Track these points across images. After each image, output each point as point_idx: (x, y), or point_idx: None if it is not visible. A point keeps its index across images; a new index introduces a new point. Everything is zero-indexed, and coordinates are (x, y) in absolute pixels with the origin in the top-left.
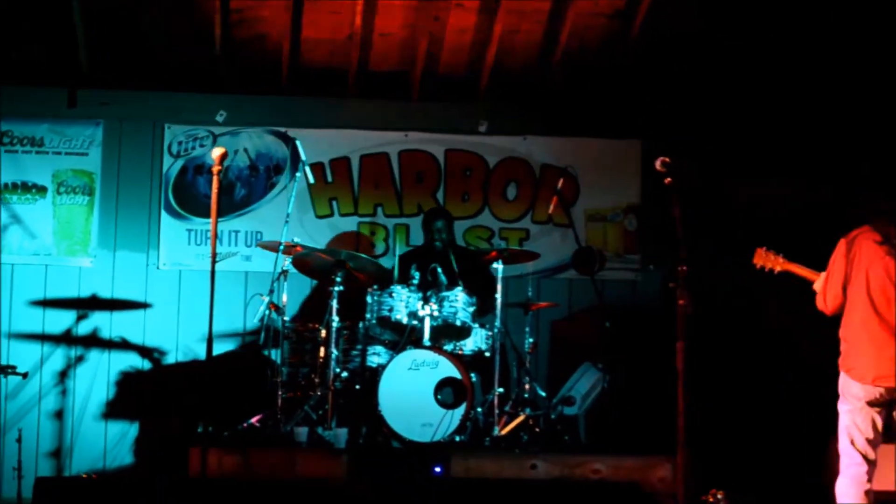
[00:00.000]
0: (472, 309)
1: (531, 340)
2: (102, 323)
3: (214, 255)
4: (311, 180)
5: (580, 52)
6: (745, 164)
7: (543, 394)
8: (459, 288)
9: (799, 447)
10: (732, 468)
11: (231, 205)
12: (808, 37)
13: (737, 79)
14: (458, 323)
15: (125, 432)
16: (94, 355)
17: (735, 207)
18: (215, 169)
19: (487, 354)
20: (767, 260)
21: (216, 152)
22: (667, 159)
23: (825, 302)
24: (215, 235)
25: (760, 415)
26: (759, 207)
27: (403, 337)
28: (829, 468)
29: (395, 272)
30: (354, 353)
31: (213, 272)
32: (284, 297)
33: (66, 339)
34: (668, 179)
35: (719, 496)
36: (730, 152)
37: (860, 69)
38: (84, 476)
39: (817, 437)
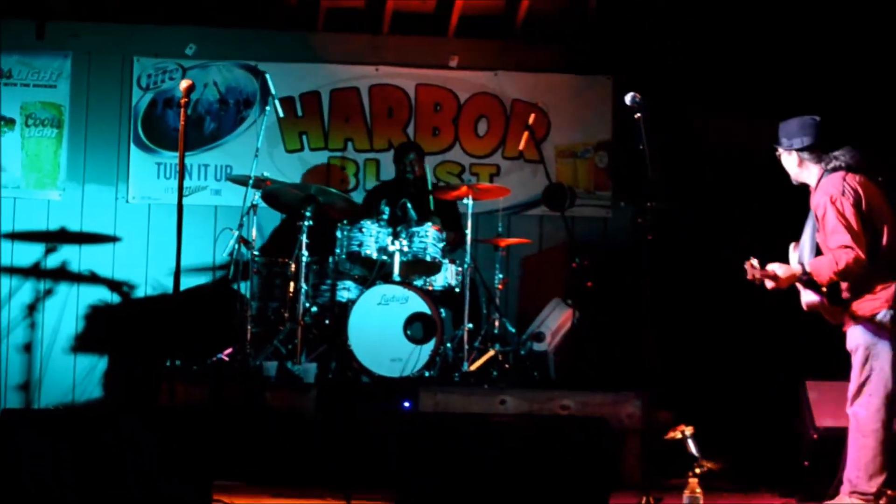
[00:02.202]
0: (441, 244)
1: (501, 276)
2: (71, 256)
3: (182, 187)
4: (281, 114)
5: None
6: (715, 101)
7: (513, 330)
8: (429, 223)
9: (768, 384)
10: (700, 404)
11: (200, 139)
12: None
13: (710, 16)
14: (427, 258)
15: (94, 366)
16: (63, 289)
17: (705, 145)
18: (182, 101)
19: (457, 290)
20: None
21: (183, 84)
22: (637, 95)
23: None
24: (182, 168)
25: (729, 351)
26: (729, 145)
27: (373, 272)
28: (799, 406)
29: (365, 207)
30: (324, 287)
31: (180, 205)
32: (254, 232)
33: (35, 272)
34: (638, 115)
35: (687, 432)
36: (701, 89)
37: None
38: (52, 409)
39: (787, 374)
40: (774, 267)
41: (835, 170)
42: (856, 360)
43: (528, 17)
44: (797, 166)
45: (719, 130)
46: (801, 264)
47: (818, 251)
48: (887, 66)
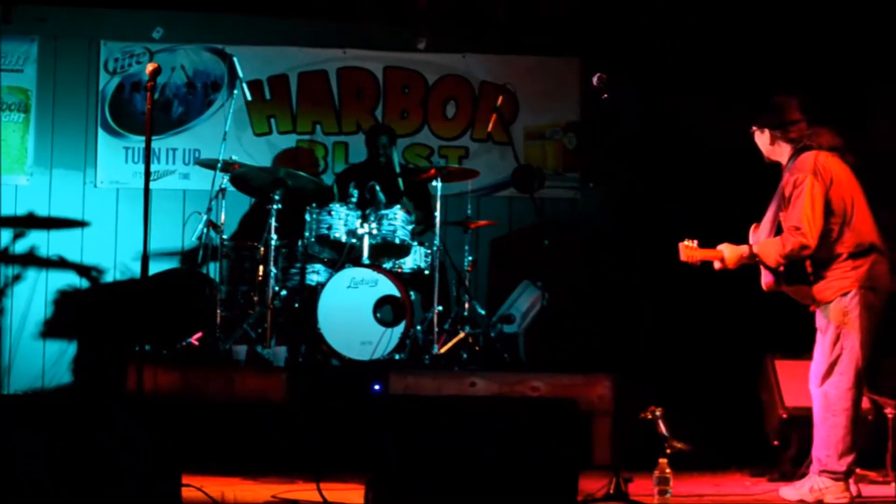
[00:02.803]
0: (410, 227)
1: (471, 258)
2: (39, 241)
3: (148, 171)
4: (249, 97)
5: None
6: (684, 82)
7: (483, 312)
8: (398, 206)
9: (737, 363)
10: (671, 385)
11: (168, 122)
12: None
13: None
14: (397, 241)
15: (64, 351)
16: (32, 274)
17: (674, 124)
18: (149, 84)
19: (427, 272)
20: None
21: (149, 67)
22: (604, 76)
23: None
24: (149, 151)
25: (699, 332)
26: (697, 125)
27: (342, 255)
28: (768, 385)
29: (333, 190)
30: (293, 271)
31: (147, 189)
32: (223, 216)
33: (3, 257)
34: (605, 96)
35: (657, 412)
36: (670, 70)
37: None
38: (21, 394)
39: (754, 354)
40: (722, 247)
41: (806, 149)
42: (826, 339)
43: None
44: (769, 144)
45: (688, 111)
46: (750, 245)
47: (778, 231)
48: (854, 45)
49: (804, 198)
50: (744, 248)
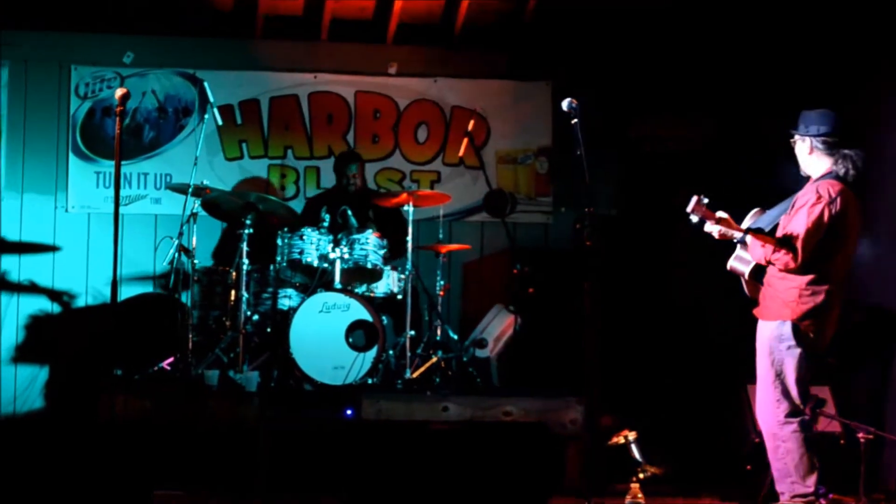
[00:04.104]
0: (383, 251)
1: (443, 283)
2: (10, 266)
3: (118, 195)
4: (220, 122)
5: None
6: (654, 105)
7: (455, 336)
8: (370, 230)
9: (710, 388)
10: (644, 409)
11: (140, 147)
12: None
13: (648, 20)
14: (369, 265)
15: (35, 376)
16: (3, 298)
17: (644, 148)
18: (118, 109)
19: (399, 297)
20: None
21: (119, 92)
22: (574, 101)
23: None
24: (118, 175)
25: (671, 356)
26: (667, 148)
27: (314, 279)
28: (740, 412)
29: (305, 215)
30: (265, 295)
31: (116, 213)
32: (194, 240)
33: None
34: (575, 120)
35: (630, 437)
36: (639, 93)
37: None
38: None
39: (730, 380)
40: (723, 214)
41: (837, 176)
42: (761, 360)
43: (466, 24)
44: (808, 153)
45: (658, 133)
46: (746, 229)
47: (774, 229)
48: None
49: (810, 219)
50: (739, 228)
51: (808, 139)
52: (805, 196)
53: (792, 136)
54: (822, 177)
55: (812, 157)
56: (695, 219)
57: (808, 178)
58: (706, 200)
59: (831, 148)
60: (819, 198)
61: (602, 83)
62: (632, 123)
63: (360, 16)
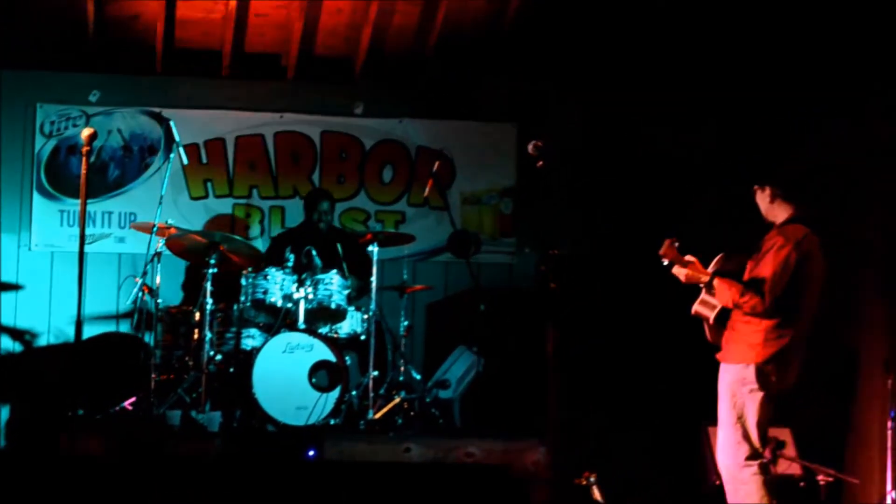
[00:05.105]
0: (346, 292)
1: (406, 323)
2: None
3: (83, 235)
4: (185, 161)
5: (456, 35)
6: (619, 148)
7: (418, 377)
8: (334, 271)
9: (671, 432)
10: (607, 452)
11: (104, 185)
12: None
13: (611, 64)
14: (332, 306)
15: None
16: None
17: (610, 190)
18: (84, 149)
19: (363, 337)
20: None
21: (85, 132)
22: (539, 143)
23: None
24: (84, 216)
25: (634, 396)
26: (632, 191)
27: (278, 320)
28: (701, 454)
29: (270, 254)
30: (229, 335)
31: (81, 252)
32: (158, 280)
33: None
34: (541, 163)
35: (592, 479)
36: (603, 137)
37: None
38: None
39: (690, 422)
40: (691, 258)
41: (801, 220)
42: (723, 402)
43: (432, 65)
44: (769, 202)
45: (623, 176)
46: (713, 273)
47: (741, 273)
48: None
49: (777, 262)
50: (706, 272)
51: (767, 188)
52: (771, 240)
53: (752, 187)
54: (786, 221)
55: (773, 205)
56: (666, 261)
57: (770, 225)
58: (677, 244)
59: (792, 193)
60: (785, 241)
61: (568, 126)
62: (597, 165)
63: (326, 55)
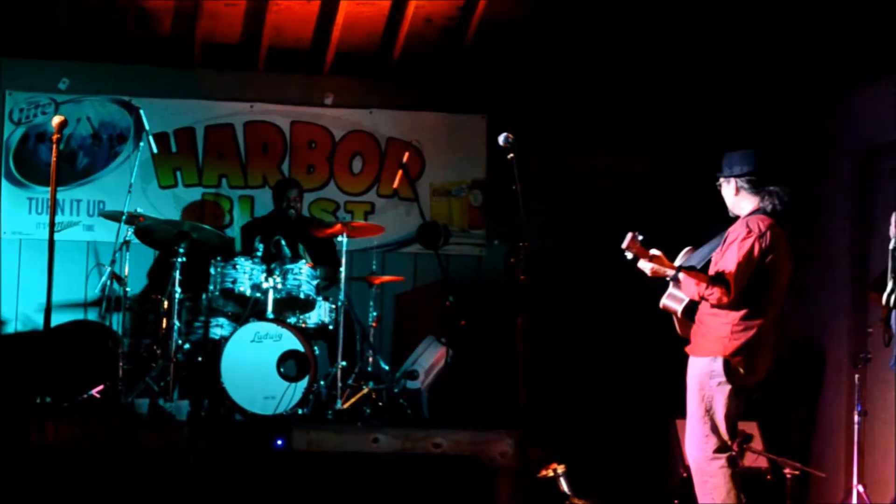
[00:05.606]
0: (315, 282)
1: (375, 314)
2: None
3: (53, 223)
4: (155, 150)
5: (426, 26)
6: (588, 139)
7: (387, 367)
8: (303, 261)
9: (641, 424)
10: (574, 443)
11: (73, 174)
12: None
13: (583, 54)
14: (301, 296)
15: None
16: None
17: (578, 183)
18: (54, 137)
19: (331, 328)
20: (636, 248)
21: (56, 120)
22: (510, 135)
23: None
24: (54, 204)
25: (602, 388)
26: (602, 182)
27: (247, 309)
28: (668, 445)
29: (238, 245)
30: (197, 324)
31: (51, 241)
32: (126, 268)
33: None
34: (511, 155)
35: (559, 470)
36: (574, 127)
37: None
38: None
39: (660, 416)
40: (656, 251)
41: (766, 212)
42: (691, 396)
43: (402, 56)
44: (734, 195)
45: (592, 168)
46: (678, 267)
47: (707, 266)
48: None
49: (741, 253)
50: (672, 266)
51: (732, 180)
52: (735, 231)
53: (717, 180)
54: (751, 213)
55: (738, 198)
56: (629, 255)
57: (736, 218)
58: (640, 237)
59: (756, 186)
60: (749, 232)
61: (538, 117)
62: (567, 158)
63: (297, 45)
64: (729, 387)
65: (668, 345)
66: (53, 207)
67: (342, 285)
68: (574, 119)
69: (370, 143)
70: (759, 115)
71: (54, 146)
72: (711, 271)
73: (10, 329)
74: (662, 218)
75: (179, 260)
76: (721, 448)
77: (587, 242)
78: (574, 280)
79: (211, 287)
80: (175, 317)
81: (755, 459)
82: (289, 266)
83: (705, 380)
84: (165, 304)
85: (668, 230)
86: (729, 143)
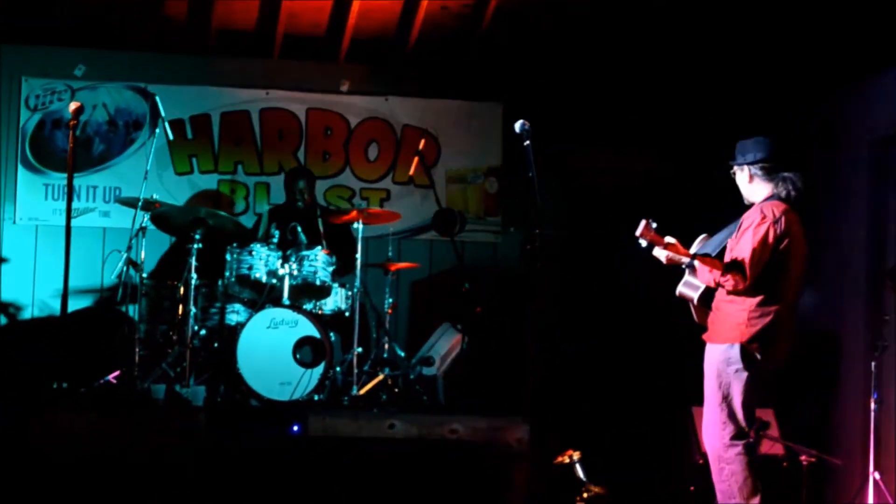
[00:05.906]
0: (331, 268)
1: (391, 300)
2: None
3: (70, 209)
4: (171, 137)
5: (441, 13)
6: (590, 138)
7: (402, 354)
8: (319, 247)
9: (657, 412)
10: (589, 429)
11: (89, 160)
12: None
13: (583, 52)
14: (317, 282)
15: None
16: None
17: (594, 173)
18: (71, 123)
19: (347, 314)
20: (651, 235)
21: (72, 106)
22: (526, 123)
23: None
24: (71, 190)
25: (618, 375)
26: (618, 173)
27: (262, 295)
28: (685, 431)
29: (261, 230)
30: (213, 310)
31: (68, 227)
32: (143, 254)
33: None
34: (527, 142)
35: (574, 456)
36: (575, 126)
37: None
38: None
39: (676, 403)
40: (671, 239)
41: (780, 197)
42: (708, 383)
43: (418, 43)
44: (748, 182)
45: (593, 167)
46: (693, 254)
47: (722, 253)
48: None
49: (756, 239)
50: (687, 253)
51: (746, 168)
52: (750, 217)
53: (731, 167)
54: (765, 200)
55: (752, 185)
56: (643, 243)
57: (751, 205)
58: (655, 225)
59: (770, 173)
60: (763, 218)
61: (554, 105)
62: (568, 157)
63: (313, 32)
64: (746, 374)
65: (685, 331)
66: (70, 193)
67: (358, 272)
68: (575, 118)
69: (386, 130)
70: (762, 112)
71: (71, 132)
72: (727, 258)
73: (26, 315)
74: (663, 217)
75: (195, 246)
76: (738, 435)
77: (588, 241)
78: (589, 266)
79: (227, 273)
80: (191, 303)
81: (771, 447)
82: (305, 252)
83: (723, 366)
84: (181, 290)
85: (668, 230)
86: (732, 139)
